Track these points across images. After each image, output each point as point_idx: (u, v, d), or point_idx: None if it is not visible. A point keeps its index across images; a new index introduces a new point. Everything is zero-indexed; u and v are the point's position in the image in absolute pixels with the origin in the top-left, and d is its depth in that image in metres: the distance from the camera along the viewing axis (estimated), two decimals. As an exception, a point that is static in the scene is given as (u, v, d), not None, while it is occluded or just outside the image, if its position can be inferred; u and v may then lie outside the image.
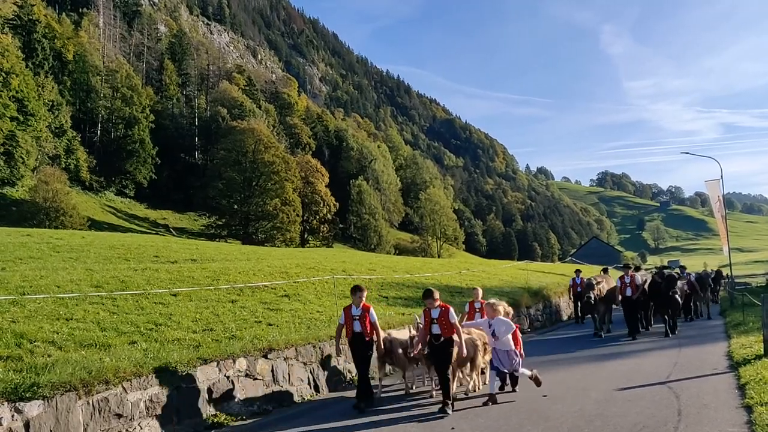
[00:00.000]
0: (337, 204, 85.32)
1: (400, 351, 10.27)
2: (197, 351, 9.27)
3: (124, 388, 7.65)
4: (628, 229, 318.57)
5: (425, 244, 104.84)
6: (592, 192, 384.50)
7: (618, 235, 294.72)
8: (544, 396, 9.35)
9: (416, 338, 9.72)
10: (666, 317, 16.88)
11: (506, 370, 9.57)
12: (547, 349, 15.75)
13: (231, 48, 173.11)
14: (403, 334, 10.73)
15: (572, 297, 23.35)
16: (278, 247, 60.71)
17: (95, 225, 57.96)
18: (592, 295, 17.06)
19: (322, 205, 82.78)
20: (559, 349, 15.29)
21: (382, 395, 10.46)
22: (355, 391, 10.06)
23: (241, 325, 11.53)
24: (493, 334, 9.51)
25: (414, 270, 25.60)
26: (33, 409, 6.63)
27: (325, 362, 11.28)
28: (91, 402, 7.22)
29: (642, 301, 17.26)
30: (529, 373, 9.69)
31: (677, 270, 22.79)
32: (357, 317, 9.47)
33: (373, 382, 10.28)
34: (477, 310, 12.10)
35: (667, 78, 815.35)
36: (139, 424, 7.73)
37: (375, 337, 9.55)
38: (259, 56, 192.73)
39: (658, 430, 6.98)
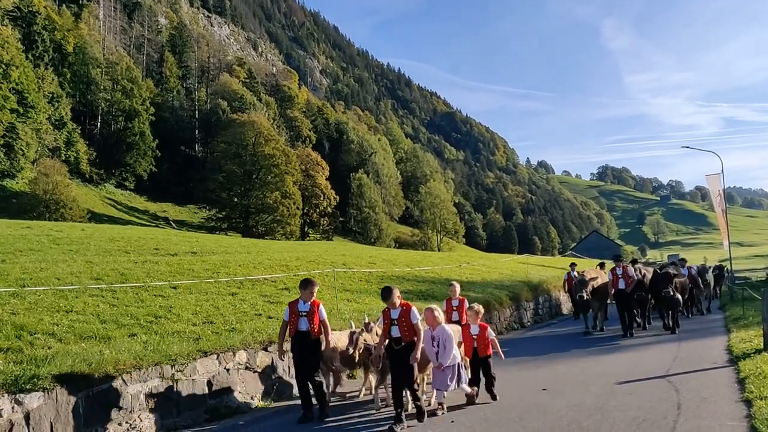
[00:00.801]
0: (338, 197, 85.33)
1: (336, 363, 9.18)
2: (197, 344, 9.28)
3: (123, 380, 7.67)
4: (628, 223, 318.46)
5: (425, 238, 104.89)
6: (592, 186, 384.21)
7: (618, 229, 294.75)
8: (544, 390, 9.36)
9: (356, 335, 8.87)
10: (665, 314, 16.14)
11: (446, 391, 8.41)
12: (546, 343, 15.77)
13: (231, 40, 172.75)
14: (342, 338, 9.33)
15: (568, 291, 22.63)
16: (278, 240, 60.77)
17: (95, 217, 58.00)
18: (584, 294, 15.99)
19: (322, 198, 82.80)
20: (558, 343, 15.29)
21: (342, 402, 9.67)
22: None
23: (241, 317, 11.53)
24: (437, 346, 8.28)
25: (414, 264, 25.61)
26: (33, 401, 6.65)
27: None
28: (91, 394, 7.23)
29: (638, 296, 16.12)
30: (468, 390, 8.72)
31: (677, 262, 21.63)
32: (304, 313, 8.39)
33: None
34: (454, 308, 11.17)
35: (668, 72, 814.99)
36: (138, 417, 7.74)
37: (324, 337, 8.56)
38: (259, 49, 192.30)
39: (657, 424, 6.99)
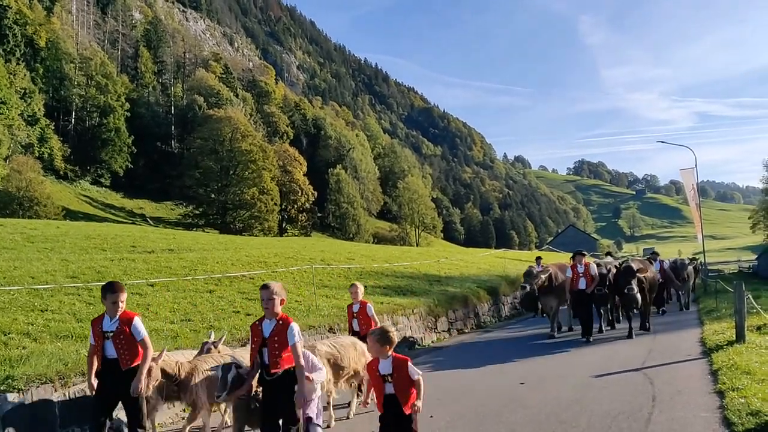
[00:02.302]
0: (315, 193, 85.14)
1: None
2: (175, 341, 9.23)
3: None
4: (604, 217, 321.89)
5: (404, 233, 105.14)
6: (568, 180, 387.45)
7: (594, 223, 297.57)
8: (522, 383, 9.43)
9: (159, 355, 6.34)
10: (628, 314, 14.31)
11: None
12: (523, 336, 15.88)
13: (207, 35, 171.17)
14: (188, 356, 7.32)
15: None
16: (256, 236, 60.51)
17: (70, 215, 57.24)
18: (527, 286, 14.16)
19: (300, 194, 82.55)
20: (535, 337, 15.40)
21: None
22: None
23: (220, 315, 11.50)
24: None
25: (393, 259, 25.66)
26: (8, 402, 6.56)
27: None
28: (67, 394, 7.15)
29: (598, 290, 14.10)
30: None
31: (649, 257, 19.67)
32: (110, 335, 5.81)
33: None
34: (354, 315, 9.31)
35: (644, 67, 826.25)
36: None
37: (145, 363, 5.89)
38: (235, 44, 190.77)
39: (633, 416, 7.09)
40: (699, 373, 9.32)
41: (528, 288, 14.21)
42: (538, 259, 21.00)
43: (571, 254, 15.36)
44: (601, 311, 15.49)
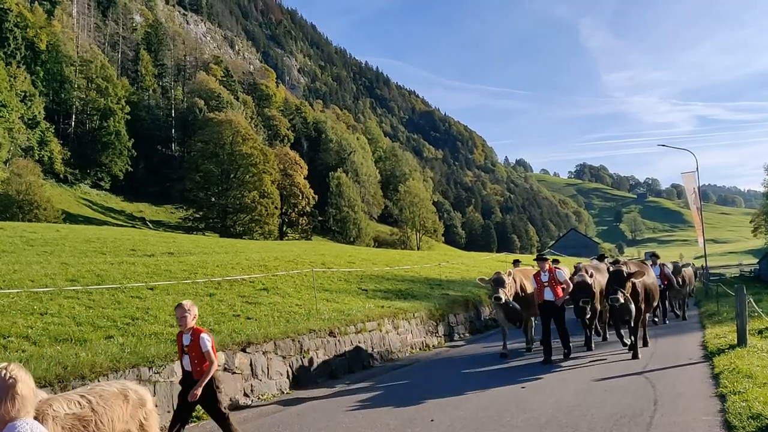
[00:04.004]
0: (316, 196, 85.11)
1: None
2: (174, 345, 9.19)
3: (100, 383, 7.56)
4: (605, 220, 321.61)
5: (405, 237, 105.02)
6: (570, 184, 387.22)
7: (596, 227, 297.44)
8: (523, 387, 9.41)
9: None
10: (619, 330, 12.36)
11: None
12: (522, 341, 15.83)
13: (208, 38, 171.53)
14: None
15: None
16: (256, 240, 60.52)
17: (70, 218, 57.27)
18: (502, 296, 11.99)
19: (300, 198, 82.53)
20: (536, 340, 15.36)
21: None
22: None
23: (219, 318, 11.47)
24: None
25: (393, 263, 25.64)
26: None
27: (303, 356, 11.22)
28: (66, 398, 7.12)
29: (583, 302, 12.13)
30: None
31: (648, 261, 17.12)
32: None
33: None
34: (185, 349, 6.65)
35: (645, 71, 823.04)
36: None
37: None
38: (236, 47, 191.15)
39: (634, 420, 7.07)
40: (700, 377, 9.31)
41: (503, 299, 12.10)
42: (516, 262, 19.32)
43: (574, 260, 13.83)
44: (581, 325, 13.58)
